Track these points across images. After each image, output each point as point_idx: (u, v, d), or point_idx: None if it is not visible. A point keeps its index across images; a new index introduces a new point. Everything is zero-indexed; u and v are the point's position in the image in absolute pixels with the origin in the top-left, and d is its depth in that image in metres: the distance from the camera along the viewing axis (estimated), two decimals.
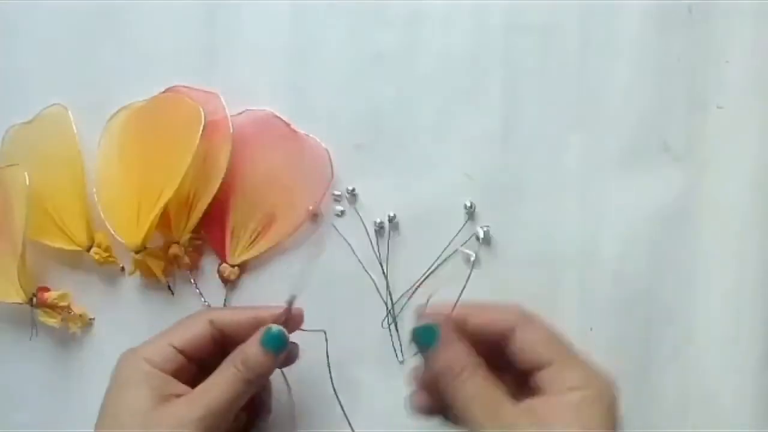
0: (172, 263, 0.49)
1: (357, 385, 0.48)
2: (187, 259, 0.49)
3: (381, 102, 0.49)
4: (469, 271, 0.36)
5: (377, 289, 0.48)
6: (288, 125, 0.49)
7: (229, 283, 0.49)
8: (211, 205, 0.48)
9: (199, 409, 0.37)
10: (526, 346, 0.38)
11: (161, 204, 0.46)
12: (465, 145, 0.49)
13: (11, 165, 0.48)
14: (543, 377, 0.37)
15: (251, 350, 0.39)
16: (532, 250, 0.49)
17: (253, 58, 0.50)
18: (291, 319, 0.41)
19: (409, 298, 0.48)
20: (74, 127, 0.49)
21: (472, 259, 0.36)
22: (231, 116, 0.48)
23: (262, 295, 0.49)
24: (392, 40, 0.49)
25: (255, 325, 0.40)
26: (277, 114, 0.49)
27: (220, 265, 0.49)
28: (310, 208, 0.48)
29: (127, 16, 0.50)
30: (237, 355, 0.39)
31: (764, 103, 0.49)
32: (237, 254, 0.49)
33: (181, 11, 0.50)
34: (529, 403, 0.37)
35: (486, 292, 0.46)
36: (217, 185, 0.47)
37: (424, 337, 0.38)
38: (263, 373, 0.40)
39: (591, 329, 0.48)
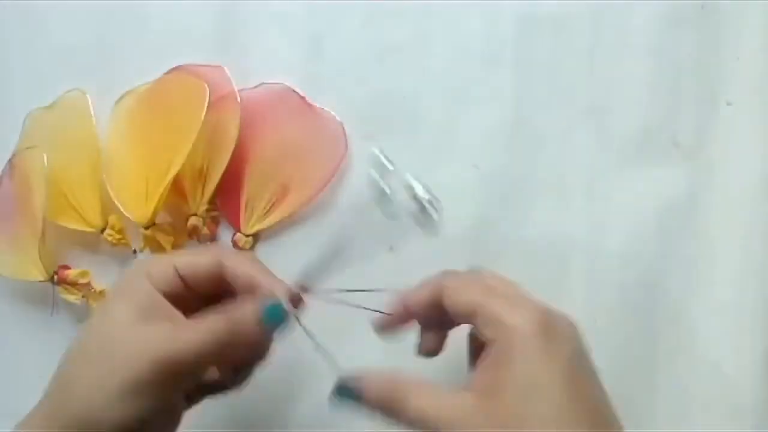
0: (191, 235, 0.49)
1: None
2: (206, 230, 0.49)
3: (391, 93, 0.50)
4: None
5: None
6: (303, 98, 0.49)
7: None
8: (225, 177, 0.48)
9: (170, 345, 0.35)
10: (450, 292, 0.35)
11: (169, 178, 0.46)
12: (475, 136, 0.49)
13: (31, 147, 0.49)
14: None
15: (246, 318, 0.37)
16: (539, 243, 0.48)
17: (266, 50, 0.50)
18: (296, 302, 0.39)
19: None
20: (92, 112, 0.50)
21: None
22: (246, 89, 0.49)
23: (275, 265, 0.48)
24: (405, 30, 0.49)
25: (264, 290, 0.38)
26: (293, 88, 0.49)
27: (234, 234, 0.49)
28: None
29: None
30: (231, 313, 0.36)
31: None
32: (251, 224, 0.49)
33: None
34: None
35: None
36: (229, 155, 0.48)
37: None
38: (248, 343, 0.37)
39: (596, 322, 0.47)
